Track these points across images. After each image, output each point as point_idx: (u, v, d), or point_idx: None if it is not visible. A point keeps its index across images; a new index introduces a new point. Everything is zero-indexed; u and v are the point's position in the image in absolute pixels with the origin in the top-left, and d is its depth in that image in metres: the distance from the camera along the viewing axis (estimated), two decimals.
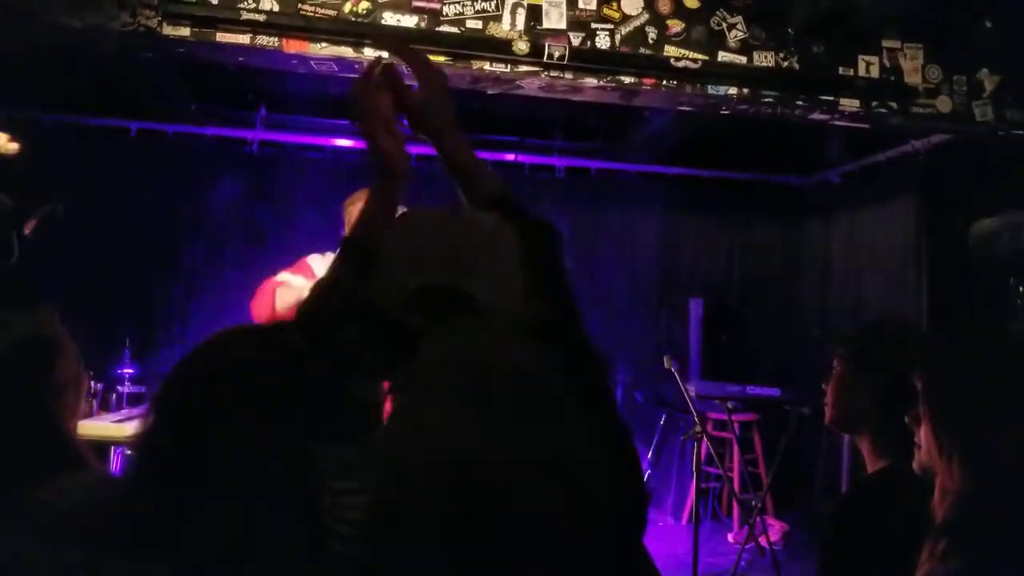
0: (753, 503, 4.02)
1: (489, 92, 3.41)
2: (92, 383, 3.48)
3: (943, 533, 1.14)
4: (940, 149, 4.47)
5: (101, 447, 2.98)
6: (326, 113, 5.30)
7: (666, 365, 3.52)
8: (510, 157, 5.69)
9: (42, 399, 1.21)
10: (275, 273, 2.72)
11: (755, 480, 5.17)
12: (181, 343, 5.26)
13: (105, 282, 5.09)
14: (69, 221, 4.91)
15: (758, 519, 4.22)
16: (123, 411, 3.30)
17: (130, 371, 4.73)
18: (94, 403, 3.38)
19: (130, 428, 2.93)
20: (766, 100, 3.30)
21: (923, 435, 1.26)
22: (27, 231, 3.89)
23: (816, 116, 3.42)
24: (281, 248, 5.06)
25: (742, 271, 5.87)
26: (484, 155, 5.68)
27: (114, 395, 3.90)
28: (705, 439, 3.38)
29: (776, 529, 4.99)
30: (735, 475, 5.10)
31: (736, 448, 5.03)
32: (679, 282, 5.74)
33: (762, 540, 4.22)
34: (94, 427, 2.91)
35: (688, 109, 3.51)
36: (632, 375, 5.04)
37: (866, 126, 3.51)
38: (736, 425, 5.13)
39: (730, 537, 4.97)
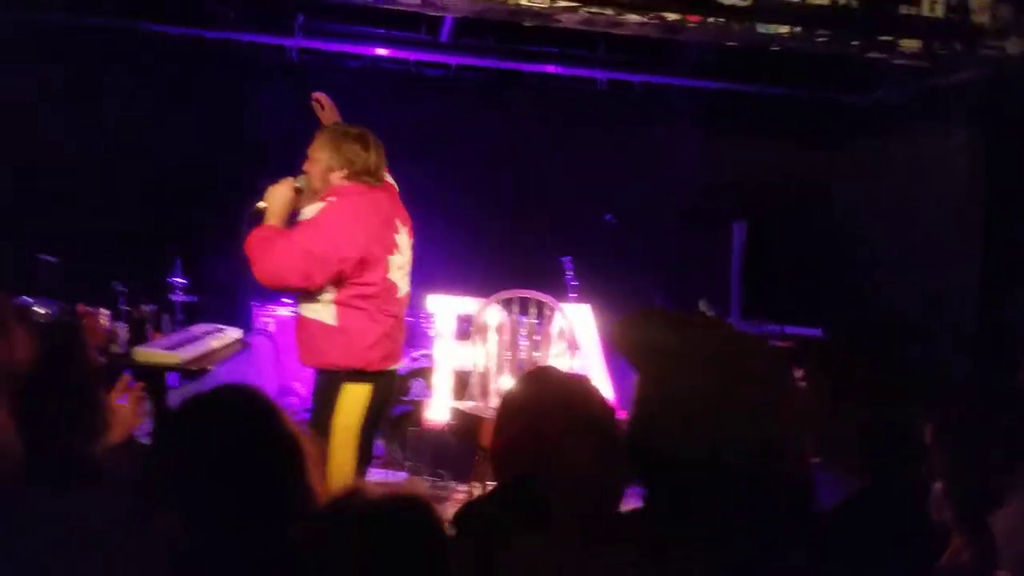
0: None
1: (526, 24, 3.31)
2: (145, 306, 3.63)
3: None
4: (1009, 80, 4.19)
5: (155, 372, 3.16)
6: (363, 20, 5.18)
7: (702, 309, 3.55)
8: (550, 69, 5.53)
9: None
10: None
11: None
12: (226, 255, 5.41)
13: (148, 195, 5.15)
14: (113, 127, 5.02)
15: None
16: (176, 334, 3.46)
17: (182, 281, 4.94)
18: (148, 326, 3.54)
19: (183, 354, 3.08)
20: (819, 39, 3.15)
21: (939, 491, 1.26)
22: None
23: (873, 55, 3.26)
24: None
25: (787, 195, 5.69)
26: (524, 66, 5.56)
27: (167, 315, 4.08)
28: None
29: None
30: None
31: None
32: (721, 204, 5.61)
33: None
34: (148, 354, 3.06)
35: (734, 45, 3.37)
36: (662, 300, 5.03)
37: (926, 66, 3.33)
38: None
39: None
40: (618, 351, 1.07)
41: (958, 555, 1.20)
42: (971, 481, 1.18)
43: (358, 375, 2.70)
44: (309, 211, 2.68)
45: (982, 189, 4.41)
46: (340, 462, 2.67)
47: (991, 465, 1.17)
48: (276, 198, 2.67)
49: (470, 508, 1.28)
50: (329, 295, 2.64)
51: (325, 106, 3.06)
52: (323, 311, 2.67)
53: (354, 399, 2.71)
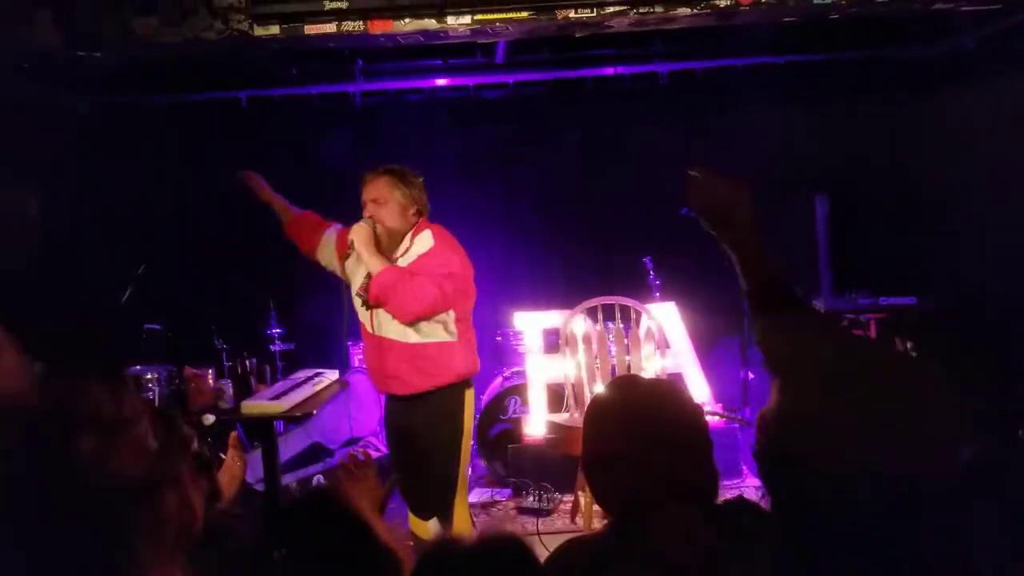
0: None
1: (578, 35, 3.31)
2: (247, 359, 3.80)
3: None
4: None
5: (264, 422, 3.30)
6: (419, 56, 5.29)
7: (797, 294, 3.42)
8: (609, 71, 5.49)
9: None
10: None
11: None
12: (316, 299, 5.60)
13: (238, 257, 5.38)
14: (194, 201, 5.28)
15: None
16: (278, 384, 3.61)
17: (278, 331, 5.15)
18: (252, 378, 3.71)
19: (287, 402, 3.21)
20: (880, 1, 3.01)
21: None
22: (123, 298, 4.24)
23: (939, 7, 3.10)
24: None
25: (867, 162, 5.45)
26: (582, 72, 5.55)
27: (267, 366, 4.26)
28: None
29: None
30: None
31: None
32: (801, 178, 5.41)
33: None
34: (255, 406, 3.20)
35: (792, 19, 3.27)
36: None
37: (997, 7, 3.14)
38: (873, 325, 4.96)
39: None
40: (766, 356, 1.05)
41: None
42: None
43: (470, 381, 3.01)
44: (416, 247, 2.88)
45: None
46: (465, 460, 3.00)
47: None
48: (363, 236, 2.84)
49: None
50: (452, 315, 2.87)
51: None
52: (443, 331, 2.88)
53: (471, 402, 3.03)
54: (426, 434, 2.93)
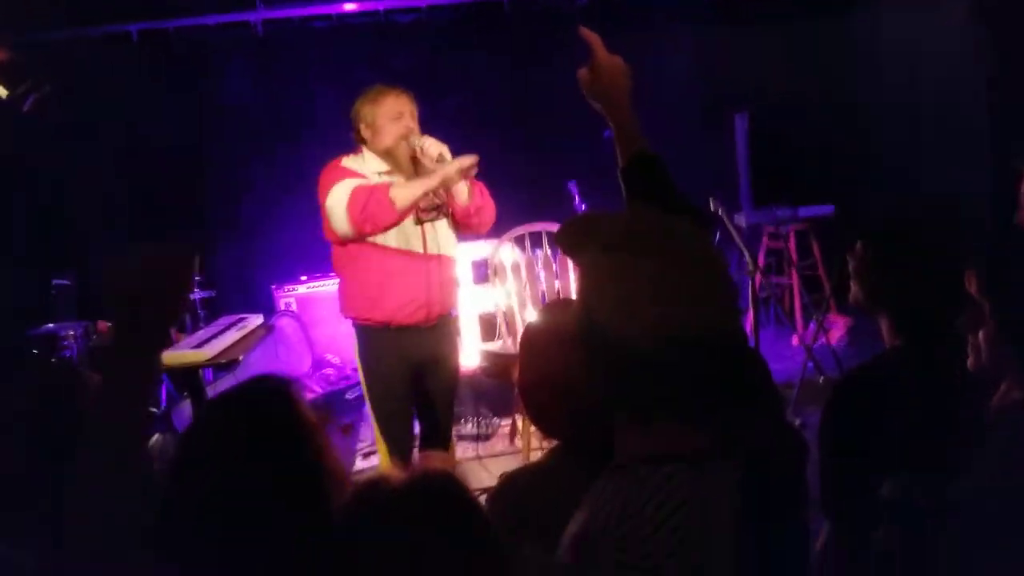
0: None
1: None
2: None
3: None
4: None
5: (189, 372, 3.19)
6: None
7: (711, 208, 3.47)
8: None
9: None
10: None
11: (816, 283, 5.20)
12: (232, 243, 5.40)
13: (143, 193, 5.09)
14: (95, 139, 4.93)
15: (819, 318, 4.33)
16: (201, 331, 3.48)
17: (197, 277, 4.96)
18: (172, 328, 3.55)
19: (211, 350, 3.10)
20: None
21: (983, 337, 1.24)
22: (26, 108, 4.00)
23: None
24: (308, 135, 5.05)
25: (786, 79, 5.47)
26: None
27: (187, 314, 4.10)
28: (759, 276, 3.39)
29: (840, 324, 5.09)
30: (794, 282, 5.13)
31: (794, 258, 5.04)
32: (721, 98, 5.42)
33: (824, 338, 4.36)
34: (177, 356, 3.07)
35: None
36: None
37: None
38: (792, 236, 5.10)
39: (795, 340, 5.09)
40: (565, 251, 1.05)
41: (1009, 395, 1.19)
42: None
43: None
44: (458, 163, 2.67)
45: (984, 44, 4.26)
46: None
47: None
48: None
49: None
50: None
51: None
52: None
53: None
54: (453, 362, 2.91)
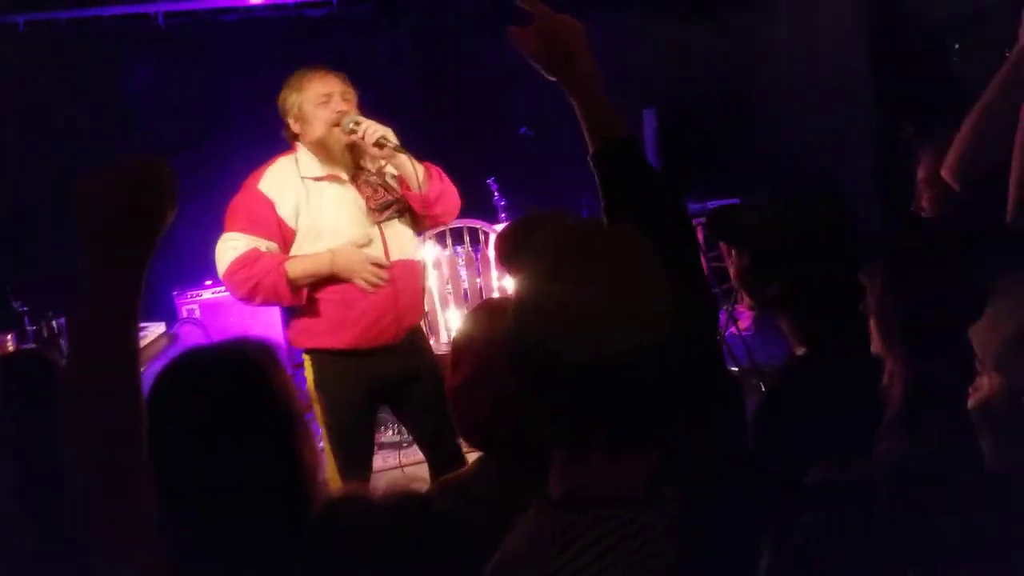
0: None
1: None
2: (52, 322, 3.37)
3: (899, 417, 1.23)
4: None
5: None
6: None
7: None
8: None
9: None
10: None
11: (724, 274, 5.36)
12: None
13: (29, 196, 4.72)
14: None
15: (729, 308, 4.48)
16: None
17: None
18: (61, 341, 3.28)
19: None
20: None
21: (873, 327, 1.29)
22: None
23: None
24: (216, 135, 4.85)
25: (692, 74, 5.61)
26: None
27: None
28: None
29: (747, 316, 5.25)
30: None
31: (703, 249, 5.18)
32: (629, 94, 5.50)
33: (734, 328, 4.49)
34: None
35: None
36: (589, 204, 4.99)
37: None
38: (700, 229, 5.23)
39: None
40: (503, 263, 1.01)
41: (891, 382, 1.24)
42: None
43: None
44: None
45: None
46: None
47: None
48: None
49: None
50: None
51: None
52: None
53: None
54: (433, 374, 2.47)
